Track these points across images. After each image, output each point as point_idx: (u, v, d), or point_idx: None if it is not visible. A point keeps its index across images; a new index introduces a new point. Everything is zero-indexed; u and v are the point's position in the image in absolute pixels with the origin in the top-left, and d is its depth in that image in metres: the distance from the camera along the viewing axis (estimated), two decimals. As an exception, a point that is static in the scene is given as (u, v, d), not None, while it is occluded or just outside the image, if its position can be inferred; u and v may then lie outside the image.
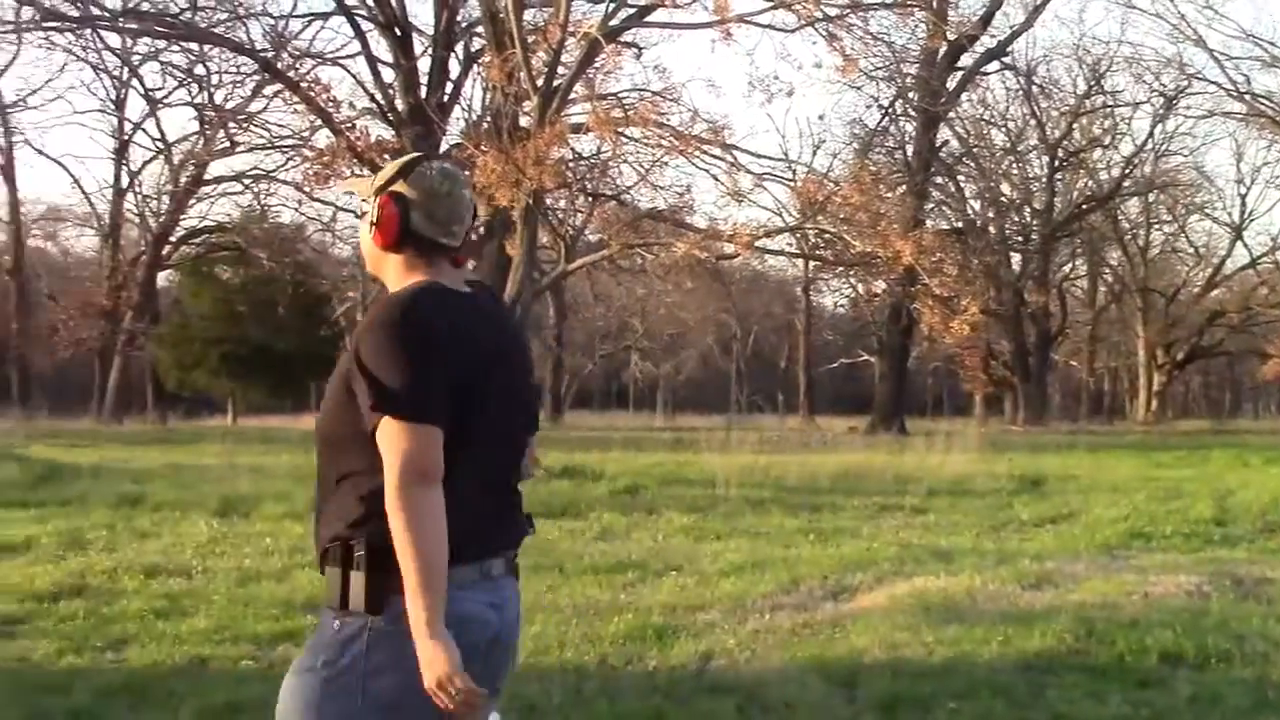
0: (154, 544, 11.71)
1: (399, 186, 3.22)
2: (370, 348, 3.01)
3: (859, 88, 44.73)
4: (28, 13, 31.73)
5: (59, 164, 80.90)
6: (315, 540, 3.22)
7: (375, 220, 3.22)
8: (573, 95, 23.02)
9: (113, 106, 49.48)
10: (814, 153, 48.13)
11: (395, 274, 3.26)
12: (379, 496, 2.96)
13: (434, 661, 2.90)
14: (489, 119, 26.17)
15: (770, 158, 38.59)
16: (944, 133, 46.28)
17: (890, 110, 46.01)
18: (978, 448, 21.50)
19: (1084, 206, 50.24)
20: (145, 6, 32.09)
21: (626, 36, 25.30)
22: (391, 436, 2.95)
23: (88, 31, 38.40)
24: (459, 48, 34.51)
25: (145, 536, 12.16)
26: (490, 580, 3.16)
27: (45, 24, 32.92)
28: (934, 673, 7.00)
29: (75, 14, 30.97)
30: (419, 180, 3.23)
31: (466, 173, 26.53)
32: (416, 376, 2.97)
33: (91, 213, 51.66)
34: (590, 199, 28.24)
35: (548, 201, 24.11)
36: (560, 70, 22.17)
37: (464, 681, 2.89)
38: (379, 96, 32.33)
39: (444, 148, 30.93)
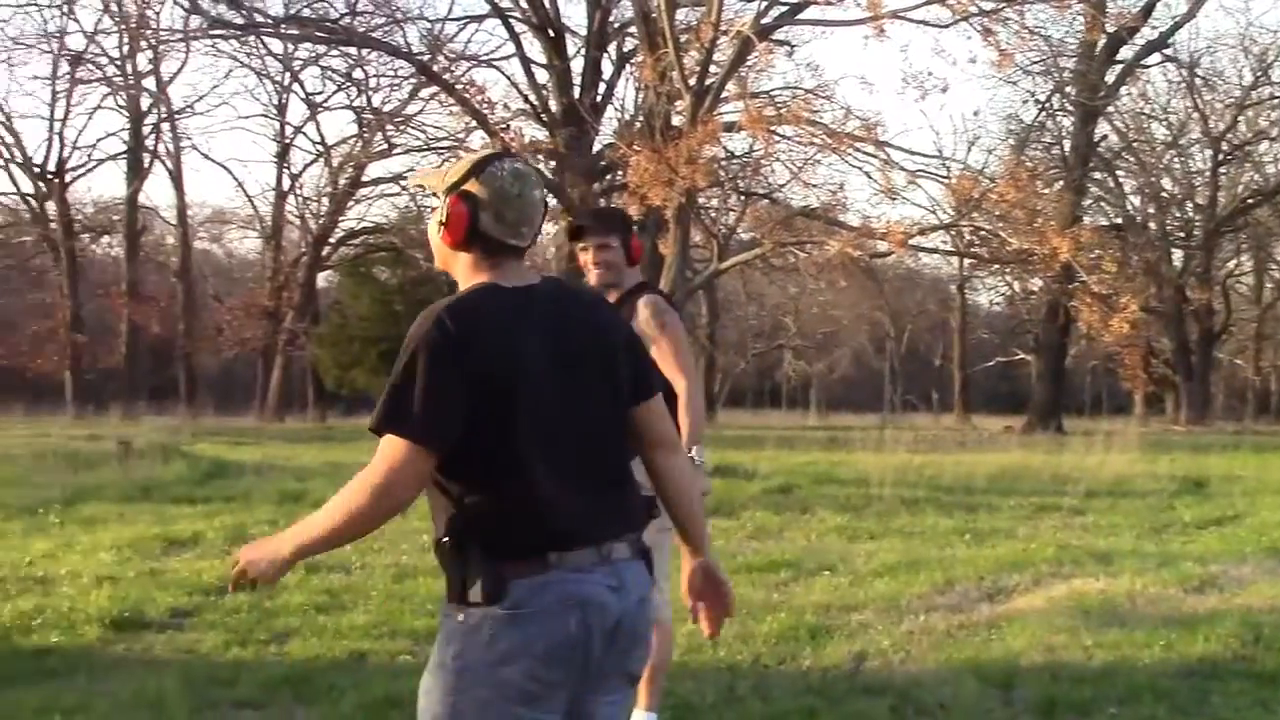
0: (315, 540, 11.89)
1: (469, 185, 3.22)
2: (400, 357, 3.09)
3: (1015, 83, 44.20)
4: (195, 21, 32.64)
5: (223, 168, 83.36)
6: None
7: (444, 219, 3.23)
8: (725, 94, 23.05)
9: (275, 111, 50.78)
10: (969, 149, 47.81)
11: (462, 272, 3.30)
12: (482, 493, 3.06)
13: (262, 555, 3.15)
14: (642, 118, 26.31)
15: (924, 155, 38.21)
16: (1103, 127, 45.41)
17: (1047, 105, 45.31)
18: (1138, 447, 21.06)
19: (1249, 201, 48.92)
20: (306, 13, 32.82)
21: (779, 34, 25.26)
22: (380, 445, 3.03)
23: (251, 38, 39.30)
24: (612, 48, 34.69)
25: (306, 532, 12.36)
26: (610, 564, 3.16)
27: (212, 32, 33.78)
28: (1093, 677, 6.88)
29: (240, 22, 31.71)
30: (490, 180, 3.22)
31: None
32: (419, 395, 3.02)
33: (254, 215, 52.97)
34: (743, 197, 28.24)
35: (700, 200, 24.14)
36: (713, 69, 22.22)
37: (254, 581, 3.15)
38: (533, 98, 32.63)
39: (597, 147, 31.14)
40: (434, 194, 3.33)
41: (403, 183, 44.59)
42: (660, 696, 5.80)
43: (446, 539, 3.09)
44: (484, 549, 3.02)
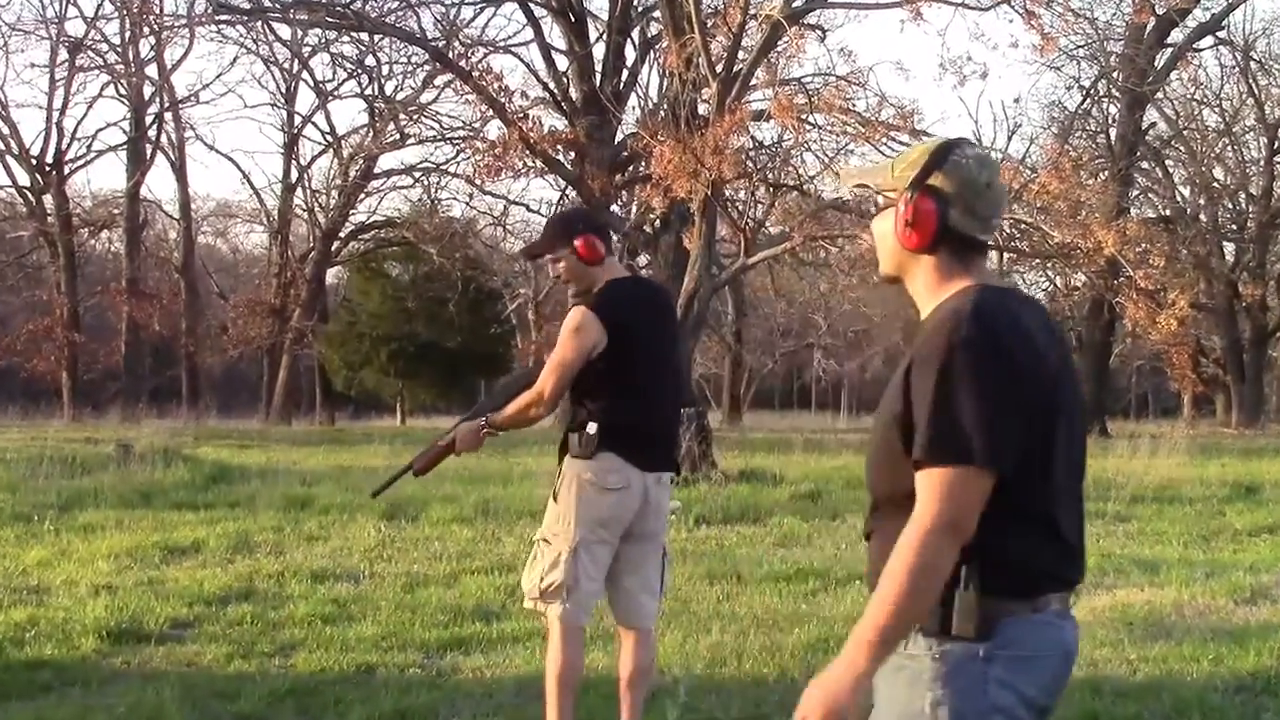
0: (321, 548, 11.96)
1: (933, 179, 3.01)
2: (933, 373, 2.82)
3: (1058, 68, 44.13)
4: (200, 6, 32.79)
5: (229, 159, 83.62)
6: (868, 558, 3.07)
7: (910, 220, 3.00)
8: (754, 81, 22.98)
9: (282, 100, 50.86)
10: (1009, 138, 47.71)
11: (925, 278, 3.07)
12: (1011, 524, 2.83)
13: (837, 698, 2.78)
14: (666, 107, 26.27)
15: (962, 144, 37.79)
16: (1151, 114, 45.22)
17: (1092, 91, 45.19)
18: (1186, 451, 20.98)
19: (1307, 191, 48.70)
20: (315, -4, 32.87)
21: (810, 18, 25.21)
22: (938, 479, 2.78)
23: (259, 24, 39.40)
24: (635, 33, 34.71)
25: (313, 540, 12.41)
26: (1069, 607, 3.03)
27: (217, 17, 33.87)
28: (1137, 692, 6.85)
29: (247, 6, 31.80)
30: (956, 171, 3.01)
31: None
32: (986, 416, 2.77)
33: (260, 209, 53.07)
34: (771, 189, 28.17)
35: (727, 192, 24.10)
36: (741, 55, 22.14)
37: None
38: (552, 85, 32.67)
39: (619, 137, 31.14)
40: (880, 193, 3.14)
41: (415, 175, 44.68)
42: (679, 709, 5.82)
43: None
44: (988, 575, 2.81)
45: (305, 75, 49.16)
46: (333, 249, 48.98)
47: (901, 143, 23.59)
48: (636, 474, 5.62)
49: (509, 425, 5.81)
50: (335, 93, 48.54)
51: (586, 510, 5.58)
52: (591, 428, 5.58)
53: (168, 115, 49.17)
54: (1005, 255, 43.14)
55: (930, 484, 2.77)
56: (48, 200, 47.01)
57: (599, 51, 33.16)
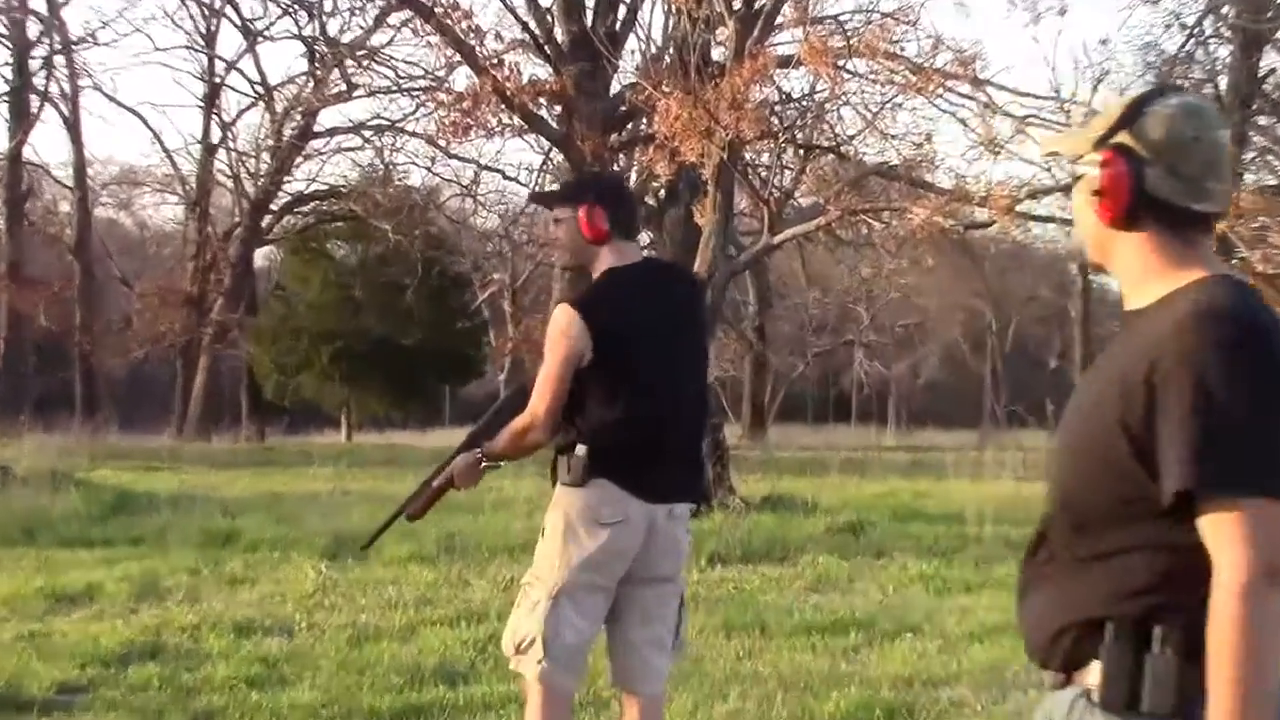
0: (247, 594, 11.95)
1: (1122, 137, 2.97)
2: (1193, 384, 2.75)
3: (1155, 2, 44.13)
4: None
5: (135, 114, 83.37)
6: (1024, 616, 3.05)
7: (1100, 187, 2.98)
8: (779, 19, 22.99)
9: (201, 42, 50.67)
10: (1094, 89, 47.44)
11: (1135, 261, 3.04)
12: (1175, 579, 2.77)
13: None
14: (672, 51, 26.28)
15: (1037, 96, 38.01)
16: (1270, 58, 45.28)
17: (1197, 31, 45.20)
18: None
19: None
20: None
21: (849, -59, 25.24)
22: (1238, 520, 2.68)
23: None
24: (634, -41, 34.70)
25: (237, 584, 12.41)
26: None
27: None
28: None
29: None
30: (1151, 125, 2.97)
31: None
32: (1274, 435, 2.72)
33: (174, 175, 52.84)
34: (802, 152, 28.20)
35: (747, 155, 24.10)
36: (764, -14, 22.16)
37: None
38: (533, 24, 32.61)
39: (615, 89, 31.12)
40: (1073, 159, 3.11)
41: (366, 134, 44.67)
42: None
43: (1121, 620, 2.82)
44: (1189, 639, 2.72)
45: (230, 11, 49.19)
46: (263, 224, 48.91)
47: (961, 94, 23.61)
48: (638, 505, 5.55)
49: (506, 455, 5.82)
50: (266, 33, 48.54)
51: (574, 549, 5.52)
52: (580, 450, 5.52)
53: (58, 59, 49.17)
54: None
55: (1228, 526, 2.69)
56: (-92, 165, 47.00)
57: (591, -17, 33.14)
